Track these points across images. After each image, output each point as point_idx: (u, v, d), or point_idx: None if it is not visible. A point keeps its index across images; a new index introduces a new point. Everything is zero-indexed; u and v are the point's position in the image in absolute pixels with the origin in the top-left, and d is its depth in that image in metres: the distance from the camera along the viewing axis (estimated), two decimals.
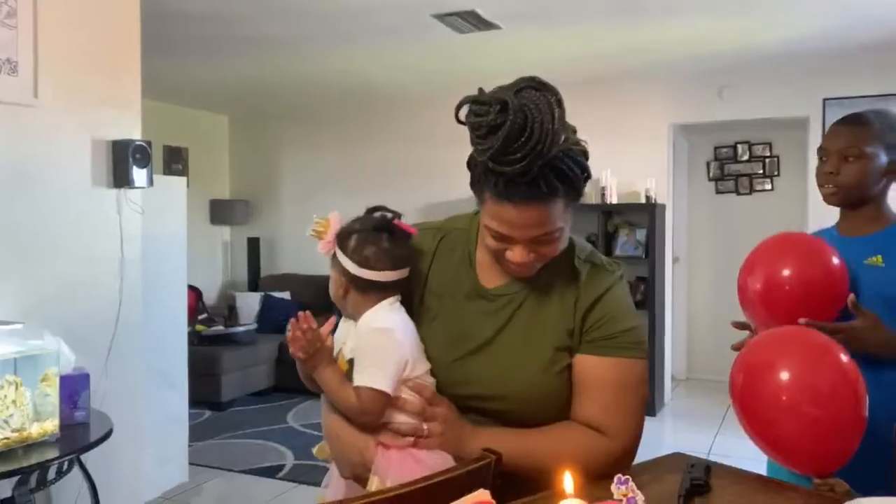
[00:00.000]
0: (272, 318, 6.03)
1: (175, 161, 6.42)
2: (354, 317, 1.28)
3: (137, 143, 2.64)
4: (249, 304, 6.29)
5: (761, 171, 6.20)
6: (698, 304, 6.34)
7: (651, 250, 5.39)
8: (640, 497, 0.95)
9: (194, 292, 5.97)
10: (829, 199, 1.66)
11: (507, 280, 1.28)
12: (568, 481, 0.83)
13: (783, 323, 1.49)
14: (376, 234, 1.26)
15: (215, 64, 5.12)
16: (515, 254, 1.17)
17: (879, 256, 1.59)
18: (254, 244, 6.88)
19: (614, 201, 5.51)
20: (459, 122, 1.10)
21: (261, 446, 4.49)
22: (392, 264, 1.25)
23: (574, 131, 1.16)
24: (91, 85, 2.59)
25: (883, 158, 1.60)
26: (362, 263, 1.24)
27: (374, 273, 1.24)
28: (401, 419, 1.21)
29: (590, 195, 5.67)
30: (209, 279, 6.81)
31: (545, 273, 1.25)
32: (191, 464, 3.95)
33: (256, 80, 5.61)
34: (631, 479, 0.97)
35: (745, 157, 6.24)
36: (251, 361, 5.63)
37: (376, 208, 1.31)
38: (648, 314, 5.39)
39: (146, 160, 2.63)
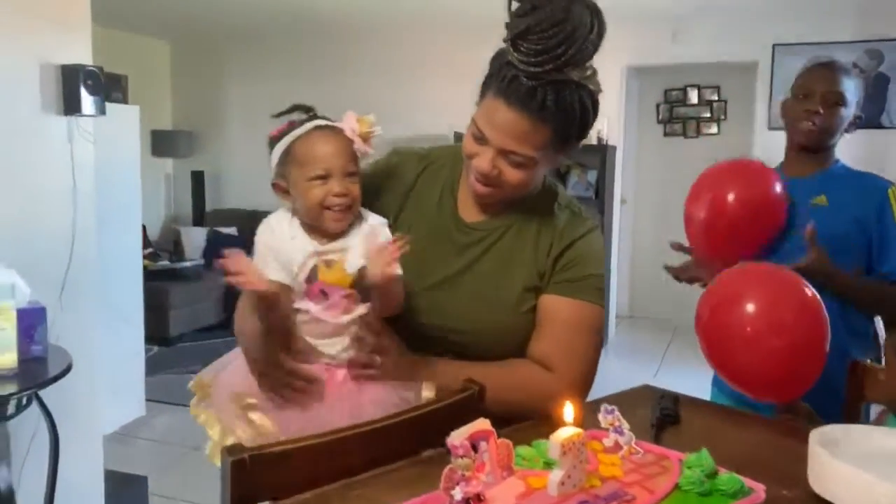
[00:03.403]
0: (220, 254, 5.93)
1: (114, 89, 6.10)
2: (343, 224, 1.22)
3: (89, 68, 2.51)
4: (195, 239, 6.16)
5: (708, 115, 6.32)
6: (642, 244, 6.50)
7: (601, 191, 5.47)
8: (625, 425, 1.00)
9: None
10: (807, 135, 1.66)
11: (487, 216, 1.29)
12: (568, 410, 0.87)
13: (722, 249, 1.60)
14: None
15: None
16: (482, 159, 1.18)
17: (824, 196, 1.65)
18: (198, 177, 6.68)
19: None
20: None
21: None
22: None
23: (596, 76, 1.19)
24: (37, 6, 2.44)
25: (853, 110, 1.65)
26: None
27: None
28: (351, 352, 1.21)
29: None
30: (151, 213, 6.60)
31: (524, 214, 1.28)
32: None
33: (200, 2, 5.35)
34: (617, 409, 1.01)
35: (695, 101, 6.34)
36: (199, 297, 5.56)
37: (304, 108, 1.26)
38: None
39: (98, 87, 2.51)
